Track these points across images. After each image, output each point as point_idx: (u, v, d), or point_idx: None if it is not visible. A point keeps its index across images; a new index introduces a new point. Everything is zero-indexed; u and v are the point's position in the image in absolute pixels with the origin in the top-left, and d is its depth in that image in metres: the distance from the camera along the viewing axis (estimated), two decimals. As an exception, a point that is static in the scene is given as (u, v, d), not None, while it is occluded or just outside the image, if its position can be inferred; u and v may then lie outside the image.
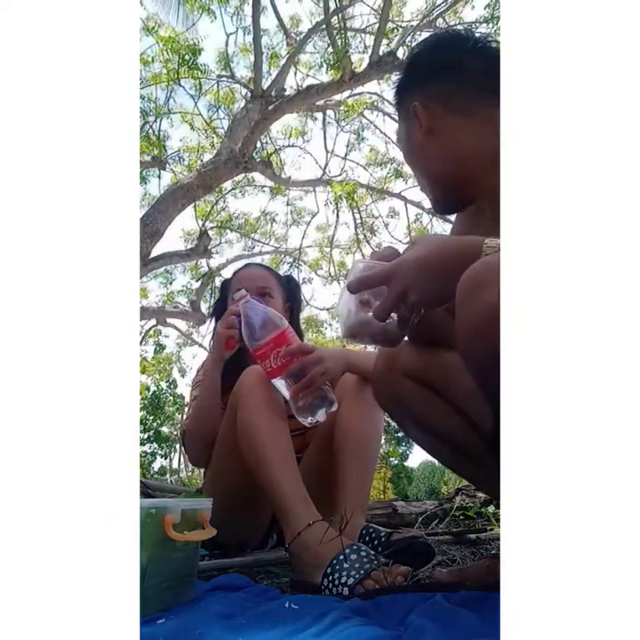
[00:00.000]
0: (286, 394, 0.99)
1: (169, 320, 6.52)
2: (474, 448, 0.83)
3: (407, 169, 5.14)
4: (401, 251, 0.73)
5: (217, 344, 1.25)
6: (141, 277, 5.27)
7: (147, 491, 2.06)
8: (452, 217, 0.95)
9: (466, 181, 0.79)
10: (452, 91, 0.79)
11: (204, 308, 5.93)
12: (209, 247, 5.18)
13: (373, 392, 0.97)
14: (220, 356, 1.23)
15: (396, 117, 0.90)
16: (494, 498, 1.25)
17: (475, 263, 0.56)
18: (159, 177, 5.38)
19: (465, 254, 0.60)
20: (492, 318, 0.50)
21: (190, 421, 1.27)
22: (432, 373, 0.87)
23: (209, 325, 1.43)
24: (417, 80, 0.83)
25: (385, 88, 4.86)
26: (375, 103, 5.40)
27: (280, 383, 0.99)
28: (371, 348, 1.30)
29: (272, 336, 0.97)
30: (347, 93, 4.86)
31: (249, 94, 4.78)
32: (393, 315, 0.71)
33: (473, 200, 0.86)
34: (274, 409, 1.01)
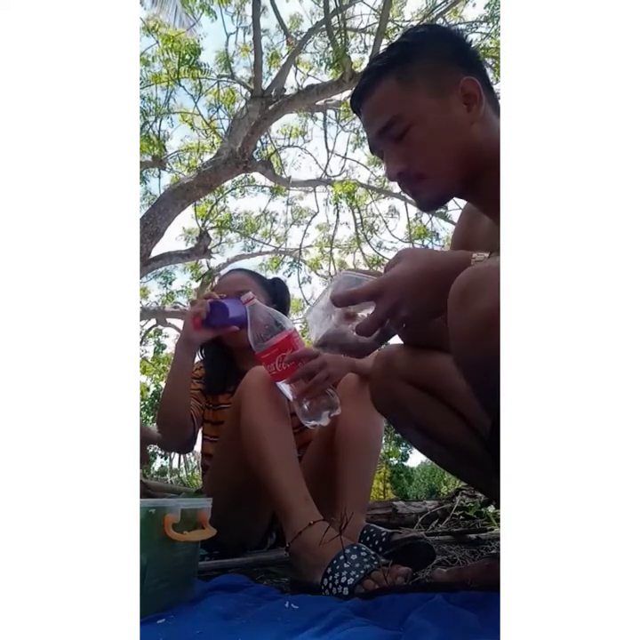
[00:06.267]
0: (290, 396, 0.99)
1: (169, 320, 6.51)
2: (473, 450, 0.83)
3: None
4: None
5: (184, 324, 1.25)
6: (141, 277, 5.27)
7: (147, 491, 2.05)
8: (451, 215, 0.94)
9: (474, 177, 0.75)
10: (490, 82, 0.75)
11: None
12: (209, 247, 5.18)
13: (371, 397, 0.97)
14: (186, 336, 1.22)
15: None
16: (494, 499, 1.25)
17: (465, 271, 0.56)
18: (159, 177, 5.38)
19: (455, 268, 0.59)
20: (485, 324, 0.50)
21: (159, 405, 1.29)
22: (430, 377, 0.87)
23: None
24: (463, 54, 0.76)
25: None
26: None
27: (284, 386, 0.99)
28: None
29: (277, 340, 0.96)
30: (347, 93, 4.86)
31: (249, 94, 4.78)
32: None
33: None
34: (278, 409, 1.01)
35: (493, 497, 1.10)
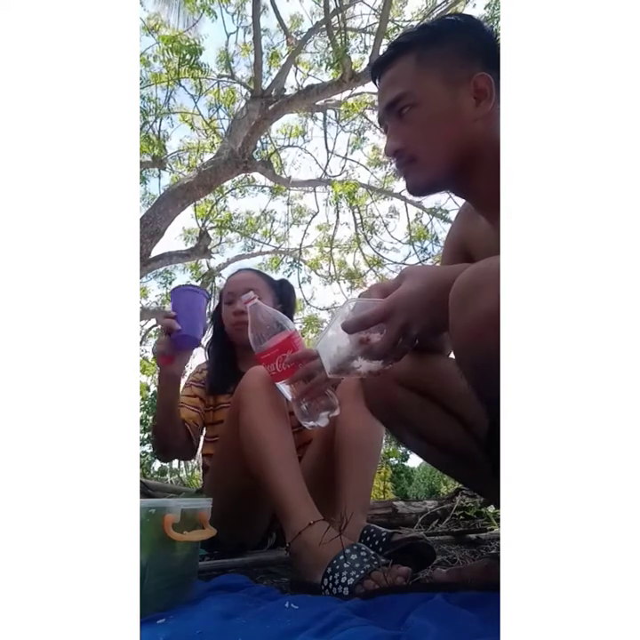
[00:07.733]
0: (289, 397, 0.99)
1: (169, 320, 6.49)
2: (469, 453, 0.83)
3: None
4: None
5: (157, 362, 1.18)
6: (141, 277, 5.26)
7: (147, 491, 2.06)
8: (451, 216, 0.94)
9: (465, 172, 0.75)
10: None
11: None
12: (209, 247, 5.17)
13: (365, 402, 0.96)
14: (162, 371, 1.16)
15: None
16: (492, 501, 1.25)
17: (465, 270, 0.57)
18: (159, 177, 5.38)
19: None
20: (487, 323, 0.50)
21: (153, 431, 1.26)
22: (427, 380, 0.87)
23: (208, 332, 1.44)
24: (486, 50, 0.75)
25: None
26: (375, 103, 5.38)
27: (284, 386, 0.99)
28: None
29: (278, 341, 0.96)
30: (347, 93, 4.86)
31: (249, 94, 4.78)
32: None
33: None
34: (277, 409, 1.02)
35: (490, 499, 1.09)
